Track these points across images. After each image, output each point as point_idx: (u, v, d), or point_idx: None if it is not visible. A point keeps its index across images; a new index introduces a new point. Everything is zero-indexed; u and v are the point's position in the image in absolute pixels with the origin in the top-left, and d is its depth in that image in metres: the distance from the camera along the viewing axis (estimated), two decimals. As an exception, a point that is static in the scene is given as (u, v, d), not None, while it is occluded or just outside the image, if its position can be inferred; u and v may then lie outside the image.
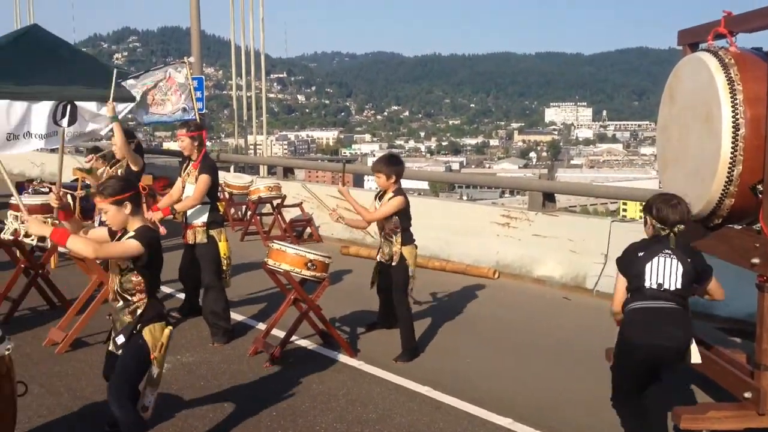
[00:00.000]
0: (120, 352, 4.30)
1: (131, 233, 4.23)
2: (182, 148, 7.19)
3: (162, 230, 4.96)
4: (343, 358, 6.43)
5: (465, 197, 57.96)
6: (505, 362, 6.48)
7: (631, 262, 4.34)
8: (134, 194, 4.30)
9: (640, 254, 4.29)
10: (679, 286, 4.21)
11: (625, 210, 55.35)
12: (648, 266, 4.25)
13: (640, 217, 5.01)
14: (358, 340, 6.95)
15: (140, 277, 4.24)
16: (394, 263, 6.53)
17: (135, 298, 4.27)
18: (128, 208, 4.24)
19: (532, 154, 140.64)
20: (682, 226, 4.28)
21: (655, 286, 4.22)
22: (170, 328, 4.35)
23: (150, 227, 4.36)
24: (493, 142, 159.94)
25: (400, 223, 6.49)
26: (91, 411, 5.29)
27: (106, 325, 6.93)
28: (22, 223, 4.06)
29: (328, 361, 6.37)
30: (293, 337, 6.65)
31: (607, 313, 7.73)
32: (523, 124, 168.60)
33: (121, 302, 4.30)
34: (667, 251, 4.25)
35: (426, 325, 7.43)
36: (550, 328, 7.51)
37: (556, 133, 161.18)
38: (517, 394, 5.71)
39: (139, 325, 4.25)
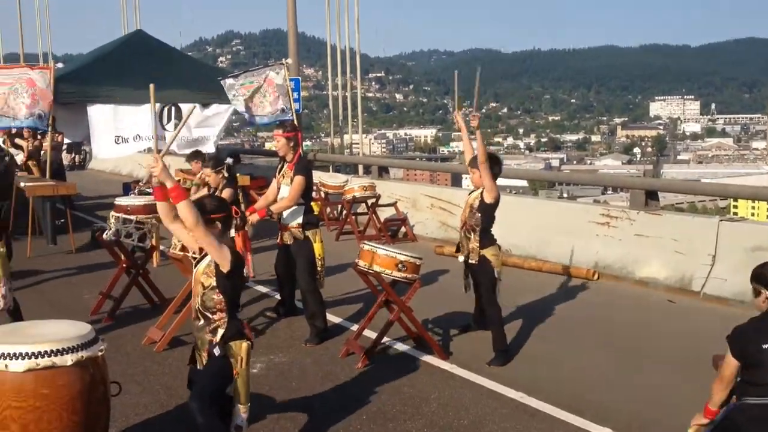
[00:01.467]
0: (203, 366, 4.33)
1: None
2: (277, 149, 7.24)
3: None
4: (435, 361, 6.32)
5: (566, 195, 56.82)
6: (605, 368, 6.23)
7: (749, 352, 3.81)
8: (226, 216, 4.34)
9: (765, 346, 3.71)
10: None
11: (735, 207, 52.99)
12: None
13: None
14: (450, 343, 6.82)
15: (221, 296, 4.26)
16: (472, 261, 6.40)
17: (216, 317, 4.27)
18: (218, 228, 4.28)
19: (636, 150, 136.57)
20: None
21: None
22: (248, 343, 4.36)
23: (234, 250, 4.37)
24: (595, 137, 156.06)
25: (481, 221, 6.33)
26: (185, 410, 5.32)
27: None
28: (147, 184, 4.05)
29: (420, 364, 6.28)
30: (385, 339, 6.58)
31: (714, 318, 7.39)
32: (626, 119, 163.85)
33: (202, 321, 4.30)
34: None
35: (521, 327, 7.23)
36: (652, 333, 7.18)
37: (661, 127, 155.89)
38: (617, 403, 5.47)
39: (222, 341, 4.27)
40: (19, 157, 14.32)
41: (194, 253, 4.61)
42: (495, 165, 6.44)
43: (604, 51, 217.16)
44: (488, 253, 6.34)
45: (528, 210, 10.75)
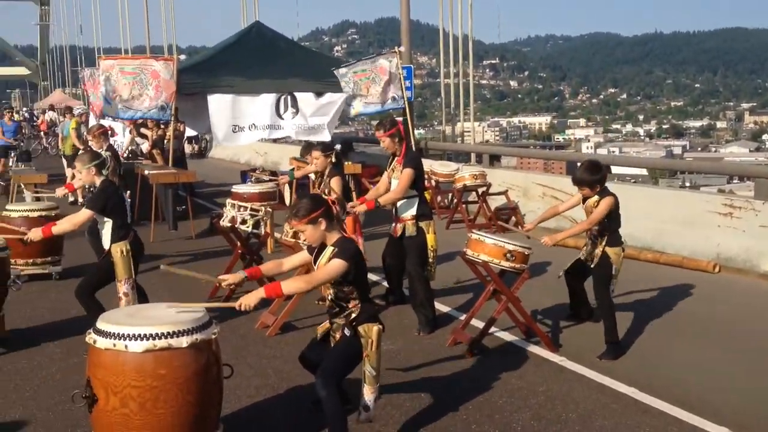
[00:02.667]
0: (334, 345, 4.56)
1: (330, 248, 4.42)
2: (385, 148, 7.30)
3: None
4: (544, 352, 6.22)
5: (688, 184, 54.54)
6: (724, 365, 5.97)
7: None
8: (325, 210, 4.45)
9: None
10: None
11: None
12: None
13: None
14: (560, 335, 6.70)
15: (351, 286, 4.46)
16: (592, 265, 6.26)
17: (350, 305, 4.50)
18: (323, 224, 4.41)
19: (766, 137, 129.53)
20: None
21: None
22: (380, 327, 4.52)
23: (347, 238, 4.54)
24: (721, 124, 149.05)
25: (608, 225, 6.18)
26: (295, 393, 5.50)
27: (313, 310, 7.25)
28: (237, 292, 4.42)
29: (528, 356, 6.20)
30: (492, 329, 6.53)
31: None
32: (755, 104, 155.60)
33: (337, 308, 4.54)
34: None
35: (636, 321, 7.01)
36: (777, 330, 6.83)
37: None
38: (736, 402, 5.24)
39: (353, 323, 4.47)
40: (144, 146, 15.01)
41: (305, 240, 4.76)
42: (598, 171, 6.25)
43: (731, 33, 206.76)
44: (611, 251, 6.19)
45: (644, 199, 10.41)
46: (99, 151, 8.68)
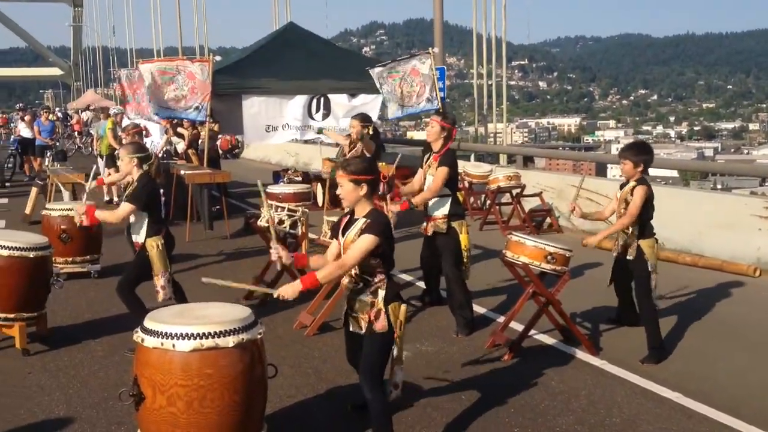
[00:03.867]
0: (367, 333, 4.37)
1: (362, 220, 4.30)
2: (428, 133, 7.17)
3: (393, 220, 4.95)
4: (584, 355, 6.17)
5: (719, 186, 53.81)
6: (767, 371, 5.89)
7: None
8: (374, 179, 4.34)
9: None
10: None
11: None
12: None
13: None
14: (600, 338, 6.64)
15: (378, 259, 4.32)
16: (629, 257, 6.18)
17: (376, 279, 4.35)
18: (364, 189, 4.29)
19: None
20: None
21: None
22: (405, 305, 4.42)
23: (379, 211, 4.40)
24: (753, 126, 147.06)
25: (640, 215, 6.11)
26: (334, 393, 5.51)
27: (351, 310, 7.22)
28: (278, 296, 4.33)
29: (568, 359, 6.14)
30: (532, 332, 6.48)
31: None
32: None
33: (362, 284, 4.39)
34: None
35: (676, 325, 6.93)
36: (822, 335, 6.71)
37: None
38: (782, 408, 5.15)
39: (383, 303, 4.33)
40: (180, 146, 15.12)
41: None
42: (646, 151, 6.25)
43: (764, 34, 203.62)
44: (644, 244, 6.12)
45: (682, 202, 10.29)
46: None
